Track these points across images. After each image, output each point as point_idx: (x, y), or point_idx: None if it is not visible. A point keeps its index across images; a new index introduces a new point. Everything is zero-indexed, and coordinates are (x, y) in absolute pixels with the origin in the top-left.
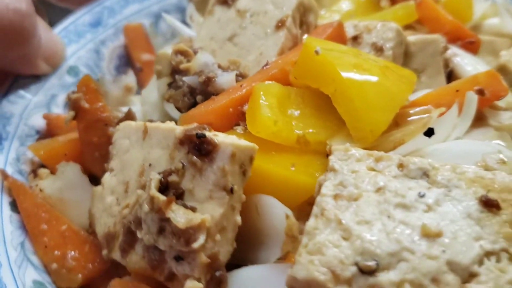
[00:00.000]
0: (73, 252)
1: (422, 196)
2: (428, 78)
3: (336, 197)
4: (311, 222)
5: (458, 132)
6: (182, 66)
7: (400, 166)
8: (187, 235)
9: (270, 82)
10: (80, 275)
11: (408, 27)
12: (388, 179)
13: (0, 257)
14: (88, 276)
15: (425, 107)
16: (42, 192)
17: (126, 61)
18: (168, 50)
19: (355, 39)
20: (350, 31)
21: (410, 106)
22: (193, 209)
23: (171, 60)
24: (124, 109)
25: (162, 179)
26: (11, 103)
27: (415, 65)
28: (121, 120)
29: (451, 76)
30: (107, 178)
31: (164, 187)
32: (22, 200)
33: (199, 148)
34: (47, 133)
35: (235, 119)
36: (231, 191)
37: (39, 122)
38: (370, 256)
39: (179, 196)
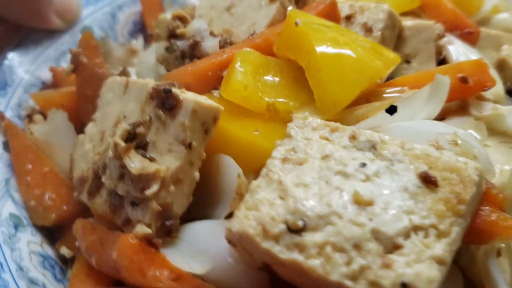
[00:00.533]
0: (51, 193)
1: (363, 165)
2: (419, 64)
3: (284, 160)
4: (255, 181)
5: (425, 114)
6: (178, 31)
7: (352, 137)
8: (142, 182)
9: (249, 49)
10: (54, 215)
11: (412, 13)
12: (336, 148)
13: None
14: (61, 216)
15: (401, 88)
16: (32, 135)
17: (141, 28)
18: (168, 15)
19: (348, 18)
20: (345, 10)
21: (386, 85)
22: (152, 160)
23: (168, 24)
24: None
25: (131, 130)
26: (21, 54)
27: (407, 49)
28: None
29: (443, 63)
30: (89, 127)
31: (132, 137)
32: (13, 140)
33: (164, 102)
34: (52, 85)
35: (214, 83)
36: (189, 146)
37: (46, 74)
38: (300, 216)
39: (143, 146)
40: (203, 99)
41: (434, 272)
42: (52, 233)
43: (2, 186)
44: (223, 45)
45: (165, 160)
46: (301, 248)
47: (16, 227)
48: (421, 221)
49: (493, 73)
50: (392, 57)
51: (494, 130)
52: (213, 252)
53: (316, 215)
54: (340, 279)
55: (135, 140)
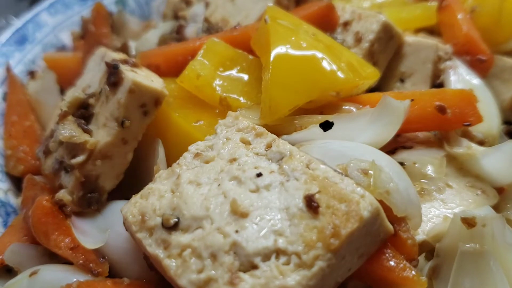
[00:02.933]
0: (25, 146)
1: (258, 176)
2: (412, 85)
3: (196, 155)
4: (161, 171)
5: (367, 137)
6: (180, 13)
7: (268, 146)
8: (74, 151)
9: (217, 40)
10: (22, 167)
11: (429, 30)
12: (247, 153)
13: None
14: (28, 169)
15: (360, 105)
16: (27, 90)
17: None
18: None
19: (346, 25)
20: (345, 16)
21: (345, 100)
22: (88, 131)
23: (175, 5)
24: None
25: (86, 99)
26: (50, 15)
27: (403, 67)
28: (117, 49)
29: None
30: (69, 91)
31: (85, 106)
32: (10, 92)
33: (110, 77)
34: (71, 49)
35: (183, 68)
36: (121, 124)
37: (68, 37)
38: (177, 213)
39: (87, 117)
40: (146, 81)
41: None
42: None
43: None
44: (209, 32)
45: (99, 134)
46: (166, 245)
47: None
48: (286, 246)
49: (493, 110)
50: (369, 71)
51: (467, 171)
52: (116, 230)
53: (191, 216)
54: (186, 285)
55: (84, 109)
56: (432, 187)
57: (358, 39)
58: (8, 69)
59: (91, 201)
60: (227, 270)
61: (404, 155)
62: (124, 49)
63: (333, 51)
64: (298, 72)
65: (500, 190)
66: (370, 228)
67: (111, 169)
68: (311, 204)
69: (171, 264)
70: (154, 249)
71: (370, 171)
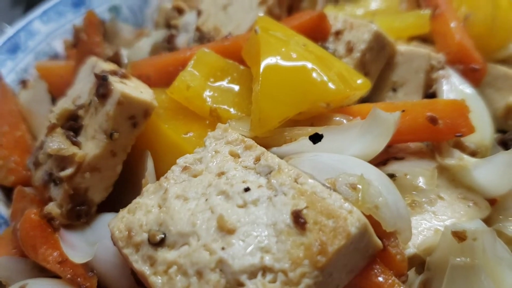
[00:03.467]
0: (16, 156)
1: (246, 190)
2: (405, 94)
3: (184, 169)
4: (149, 184)
5: (356, 149)
6: (172, 22)
7: (257, 159)
8: (62, 163)
9: (207, 50)
10: (13, 177)
11: (422, 39)
12: (236, 167)
13: None
14: (19, 180)
15: (351, 117)
16: (18, 99)
17: None
18: (169, 5)
19: (337, 34)
20: (338, 25)
21: (338, 111)
22: (76, 143)
23: (167, 14)
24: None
25: (75, 110)
26: (43, 23)
27: (396, 77)
28: (109, 58)
29: (432, 98)
30: (60, 101)
31: (74, 118)
32: (1, 102)
33: (99, 89)
34: (64, 58)
35: (174, 78)
36: (110, 136)
37: (61, 46)
38: (164, 229)
39: (76, 129)
40: (135, 92)
41: None
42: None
43: None
44: (201, 42)
45: (88, 146)
46: (152, 262)
47: None
48: (272, 263)
49: (486, 119)
50: (360, 82)
51: (459, 183)
52: (105, 244)
53: (178, 232)
54: None
55: (73, 121)
56: (423, 199)
57: (350, 49)
58: (0, 78)
59: (80, 214)
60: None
61: (395, 166)
62: (116, 57)
63: (323, 62)
64: (288, 84)
65: (492, 201)
66: (358, 244)
67: (100, 181)
68: (298, 220)
69: (157, 281)
70: (140, 265)
71: (358, 186)
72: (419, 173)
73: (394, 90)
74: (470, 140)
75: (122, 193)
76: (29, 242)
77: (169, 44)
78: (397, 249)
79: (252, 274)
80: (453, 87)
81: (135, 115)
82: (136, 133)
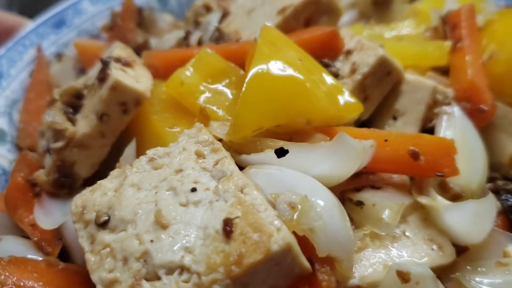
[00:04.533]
0: (35, 123)
1: (193, 190)
2: (403, 124)
3: (150, 160)
4: (116, 169)
5: (322, 170)
6: (198, 19)
7: (216, 162)
8: (56, 136)
9: (210, 51)
10: (29, 141)
11: (446, 72)
12: (194, 166)
13: None
14: (33, 145)
15: (327, 137)
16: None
17: None
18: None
19: (347, 53)
20: (350, 44)
21: (322, 131)
22: (72, 120)
23: (196, 10)
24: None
25: (81, 89)
26: (92, 3)
27: (398, 105)
28: (138, 45)
29: (430, 133)
30: (80, 79)
31: (79, 96)
32: (36, 71)
33: (100, 72)
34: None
35: None
36: (100, 118)
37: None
38: (110, 212)
39: (77, 107)
40: (130, 81)
41: None
42: None
43: (7, 103)
44: (217, 42)
45: (81, 124)
46: (92, 240)
47: None
48: (190, 264)
49: (480, 164)
50: (350, 104)
51: (430, 223)
52: None
53: (120, 218)
54: (96, 281)
55: (77, 99)
56: (384, 233)
57: (353, 70)
58: (39, 49)
59: (64, 185)
60: (132, 275)
61: (368, 194)
62: (145, 45)
63: (314, 79)
64: (270, 94)
65: (464, 248)
66: (280, 261)
67: (87, 158)
68: (226, 228)
69: (90, 259)
70: (83, 241)
71: (298, 205)
72: (387, 206)
73: (395, 118)
74: (455, 182)
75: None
76: (11, 202)
77: (185, 40)
78: (326, 276)
79: (170, 270)
80: (453, 125)
81: (126, 102)
82: (126, 119)
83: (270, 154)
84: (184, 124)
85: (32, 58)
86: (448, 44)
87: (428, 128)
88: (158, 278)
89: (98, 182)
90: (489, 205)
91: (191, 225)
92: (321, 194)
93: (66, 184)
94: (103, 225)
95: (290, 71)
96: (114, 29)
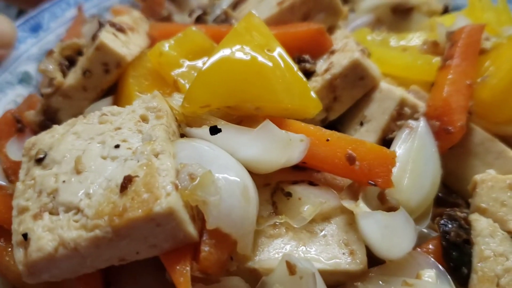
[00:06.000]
0: None
1: (116, 147)
2: (366, 131)
3: (101, 115)
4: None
5: (246, 154)
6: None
7: (152, 128)
8: (48, 84)
9: (196, 29)
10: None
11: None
12: (131, 127)
13: None
14: None
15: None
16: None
17: None
18: None
19: (331, 52)
20: (339, 44)
21: (271, 120)
22: (65, 72)
23: None
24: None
25: (82, 46)
26: None
27: (367, 112)
28: (162, 18)
29: (388, 144)
30: None
31: (80, 52)
32: (72, 28)
33: (95, 34)
34: None
35: None
36: (84, 73)
37: None
38: (48, 152)
39: (73, 61)
40: (115, 45)
41: (40, 246)
42: None
43: (41, 52)
44: (219, 23)
45: (70, 77)
46: (27, 172)
47: (21, 81)
48: (84, 207)
49: (427, 184)
50: (310, 100)
51: (354, 229)
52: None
53: (52, 158)
54: (14, 206)
55: (79, 54)
56: (297, 226)
57: (327, 69)
58: (80, 9)
59: (47, 127)
60: (39, 206)
61: (300, 188)
62: (168, 19)
63: (276, 71)
64: (224, 76)
65: (382, 262)
66: (162, 224)
67: (69, 107)
68: (123, 183)
69: (18, 187)
70: (21, 172)
71: (198, 178)
72: (310, 202)
73: (362, 124)
74: (393, 196)
75: None
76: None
77: (189, 17)
78: (208, 247)
79: (68, 209)
80: (412, 140)
81: (108, 63)
82: (108, 78)
83: (206, 130)
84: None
85: (72, 16)
86: (437, 60)
87: (388, 139)
88: (57, 213)
89: (54, 126)
90: (400, 220)
91: (100, 176)
92: (231, 174)
93: (49, 127)
94: (39, 161)
95: (250, 58)
96: (147, 1)
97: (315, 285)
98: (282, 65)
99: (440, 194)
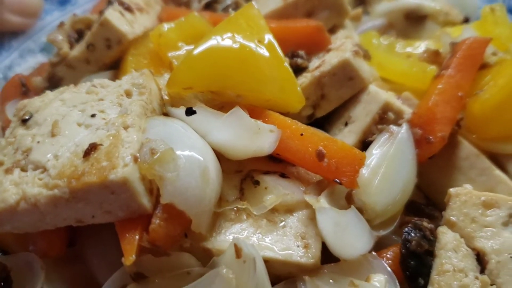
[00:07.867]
0: None
1: (92, 116)
2: (348, 132)
3: (91, 86)
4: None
5: (216, 138)
6: None
7: (132, 103)
8: (56, 53)
9: (197, 14)
10: None
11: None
12: (112, 100)
13: None
14: None
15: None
16: None
17: None
18: None
19: (327, 50)
20: (336, 44)
21: (252, 109)
22: (72, 44)
23: None
24: None
25: (94, 22)
26: None
27: (352, 113)
28: (182, 3)
29: (365, 146)
30: None
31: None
32: (98, 5)
33: (102, 10)
34: None
35: None
36: (87, 47)
37: None
38: (34, 114)
39: (82, 34)
40: (119, 22)
41: (4, 198)
42: None
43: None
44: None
45: (76, 49)
46: (12, 130)
47: (42, 49)
48: (50, 167)
49: (395, 190)
50: (293, 94)
51: (314, 224)
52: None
53: (35, 120)
54: None
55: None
56: (256, 213)
57: (318, 66)
58: None
59: None
60: (12, 162)
61: (269, 179)
62: (187, 4)
63: (263, 62)
64: (208, 60)
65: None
66: (116, 192)
67: (72, 77)
68: (88, 149)
69: (1, 143)
70: (8, 130)
71: (158, 153)
72: (274, 192)
73: (346, 124)
74: (359, 197)
75: None
76: (4, 94)
77: (199, 3)
78: (158, 221)
79: (36, 168)
80: (389, 145)
81: (110, 39)
82: (109, 54)
83: (182, 111)
84: (151, 68)
85: None
86: (431, 68)
87: (368, 141)
88: (26, 170)
89: (47, 91)
90: (350, 218)
91: (71, 140)
92: (195, 153)
93: None
94: (24, 121)
95: (238, 46)
96: None
97: (255, 270)
98: (270, 57)
99: (421, 204)
